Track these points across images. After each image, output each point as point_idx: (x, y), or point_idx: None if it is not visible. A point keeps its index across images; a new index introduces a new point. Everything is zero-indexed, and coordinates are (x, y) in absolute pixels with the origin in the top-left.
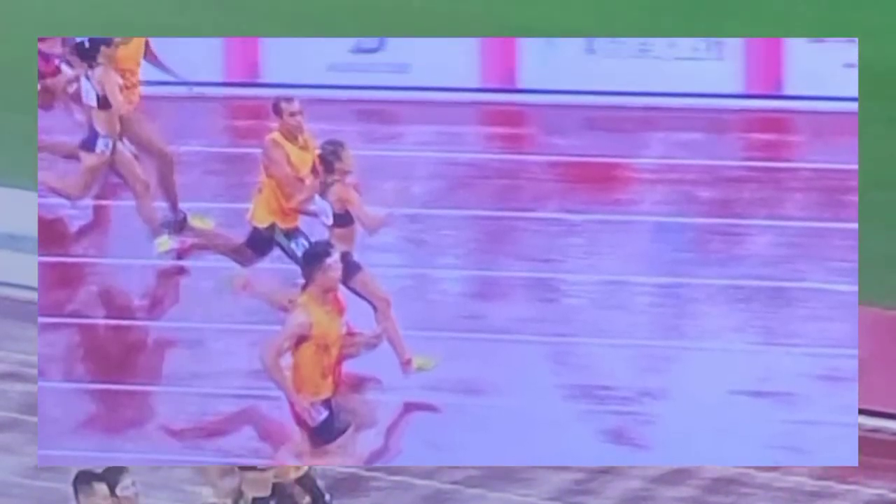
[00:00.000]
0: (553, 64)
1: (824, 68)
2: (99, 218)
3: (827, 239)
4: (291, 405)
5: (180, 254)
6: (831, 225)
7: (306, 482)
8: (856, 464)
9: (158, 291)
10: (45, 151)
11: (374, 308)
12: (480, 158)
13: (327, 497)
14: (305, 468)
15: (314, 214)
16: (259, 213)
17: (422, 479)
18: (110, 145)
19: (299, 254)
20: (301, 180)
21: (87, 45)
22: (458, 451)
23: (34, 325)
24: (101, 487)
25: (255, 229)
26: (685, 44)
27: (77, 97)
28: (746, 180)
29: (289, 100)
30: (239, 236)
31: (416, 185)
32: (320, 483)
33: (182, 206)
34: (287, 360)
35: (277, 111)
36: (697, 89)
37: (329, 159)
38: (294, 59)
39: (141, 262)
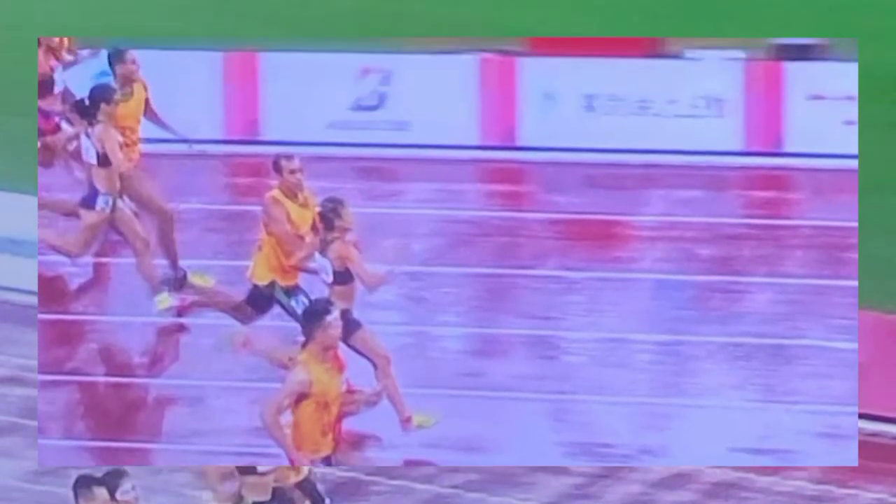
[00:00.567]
0: (552, 121)
1: (824, 125)
2: (99, 275)
3: (827, 296)
4: (291, 463)
5: (180, 311)
6: (831, 282)
7: (306, 486)
8: None
9: (158, 349)
10: (45, 209)
11: (375, 365)
12: (480, 216)
13: (327, 501)
14: (305, 472)
15: (314, 272)
16: (259, 271)
17: (422, 483)
18: (110, 203)
19: (299, 311)
20: (301, 238)
21: (86, 102)
22: None
23: (34, 328)
24: (101, 492)
25: (256, 287)
26: (685, 101)
27: (77, 155)
28: (746, 238)
29: (289, 157)
30: (239, 294)
31: (416, 243)
32: (320, 487)
33: (182, 263)
34: (287, 418)
35: (277, 169)
36: (697, 147)
37: (329, 217)
38: (294, 117)
39: (141, 319)
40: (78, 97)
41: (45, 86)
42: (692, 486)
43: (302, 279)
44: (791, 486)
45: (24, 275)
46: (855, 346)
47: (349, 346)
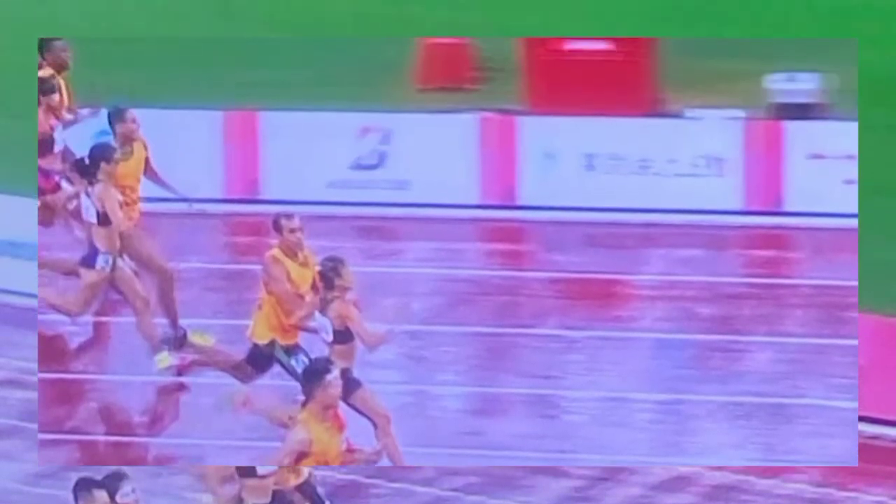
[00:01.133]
0: (553, 180)
1: (824, 185)
2: (99, 334)
3: (827, 355)
4: None
5: (180, 370)
6: (831, 341)
7: (306, 489)
8: None
9: (158, 408)
10: (45, 268)
11: (375, 425)
12: (480, 275)
13: None
14: (305, 475)
15: (314, 331)
16: (259, 330)
17: (422, 485)
18: (110, 262)
19: (299, 370)
20: (301, 297)
21: (86, 161)
22: None
23: (34, 331)
24: (101, 494)
25: (256, 346)
26: (685, 160)
27: (77, 214)
28: (747, 297)
29: (289, 216)
30: (239, 353)
31: (416, 302)
32: (320, 490)
33: (182, 322)
34: None
35: (277, 228)
36: (698, 206)
37: (329, 276)
38: (294, 176)
39: (141, 378)
40: (78, 156)
41: (45, 145)
42: (692, 488)
43: (302, 338)
44: (791, 488)
45: (23, 277)
46: (855, 405)
47: (349, 405)
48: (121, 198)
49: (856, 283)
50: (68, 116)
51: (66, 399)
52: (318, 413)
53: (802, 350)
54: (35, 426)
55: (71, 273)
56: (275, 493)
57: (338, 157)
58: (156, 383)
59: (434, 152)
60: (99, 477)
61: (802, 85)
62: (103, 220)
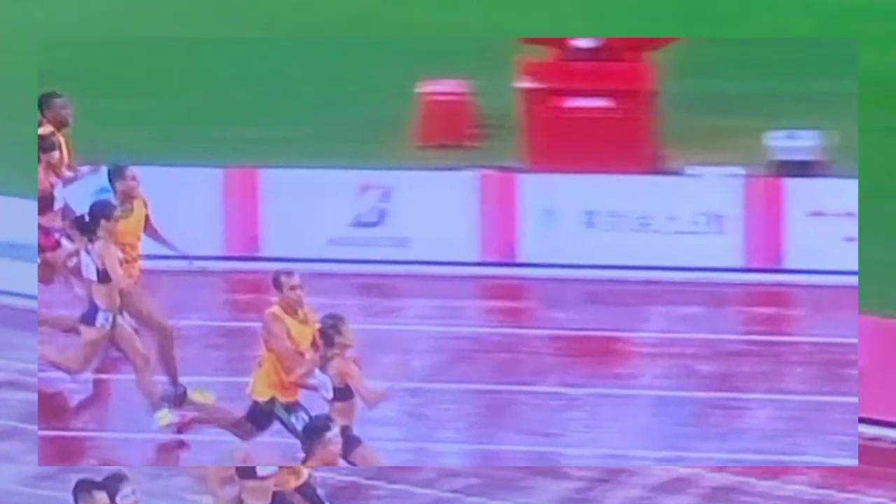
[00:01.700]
0: (553, 237)
1: (824, 242)
2: (99, 392)
3: (827, 413)
4: None
5: (181, 428)
6: (831, 399)
7: (306, 491)
8: None
9: (159, 465)
10: (45, 325)
11: None
12: (480, 332)
13: None
14: (305, 476)
15: (314, 388)
16: (259, 387)
17: (422, 487)
18: (110, 319)
19: (299, 428)
20: (301, 354)
21: (86, 219)
22: None
23: (34, 333)
24: (102, 496)
25: (256, 403)
26: (685, 217)
27: (77, 271)
28: (746, 354)
29: (289, 273)
30: (239, 410)
31: (416, 359)
32: (320, 492)
33: (182, 379)
34: None
35: (277, 285)
36: (698, 263)
37: (329, 333)
38: (294, 233)
39: (141, 436)
40: (78, 214)
41: (45, 202)
42: (692, 490)
43: (302, 395)
44: (791, 490)
45: (23, 279)
46: (855, 461)
47: (349, 462)
48: (121, 255)
49: (856, 341)
50: (68, 174)
51: (65, 457)
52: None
53: (802, 407)
54: (35, 427)
55: (71, 330)
56: (275, 494)
57: (338, 214)
58: (156, 441)
59: (434, 209)
60: (99, 478)
61: (802, 142)
62: (103, 277)
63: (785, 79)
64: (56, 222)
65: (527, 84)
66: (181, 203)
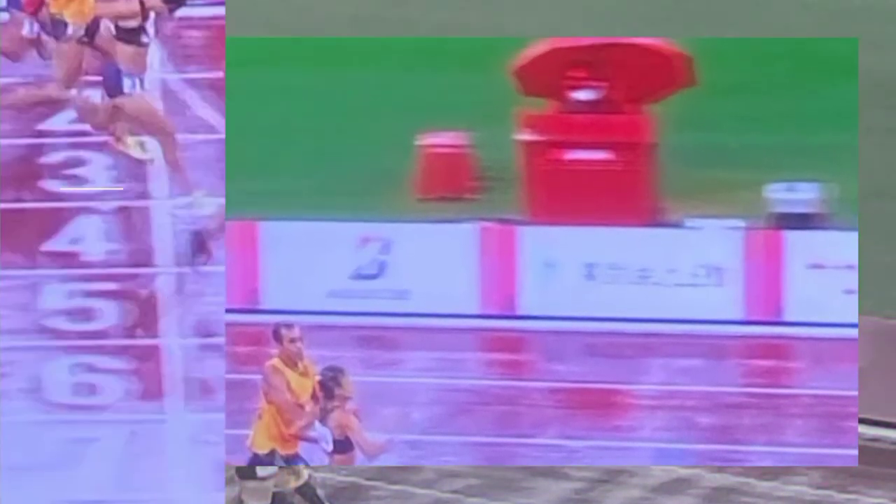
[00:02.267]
0: (553, 290)
1: (824, 294)
2: None
3: (827, 465)
4: None
5: None
6: (831, 451)
7: (306, 491)
8: None
9: None
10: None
11: None
12: (480, 385)
13: None
14: (305, 477)
15: (314, 441)
16: (259, 440)
17: (422, 487)
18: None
19: None
20: (301, 406)
21: None
22: None
23: None
24: None
25: (255, 455)
26: (685, 270)
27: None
28: (746, 406)
29: (289, 326)
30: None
31: (415, 412)
32: (320, 492)
33: None
34: None
35: (277, 337)
36: (697, 315)
37: (329, 385)
38: (294, 286)
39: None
40: None
41: None
42: (692, 490)
43: (302, 448)
44: (791, 490)
45: None
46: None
47: None
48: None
49: (856, 394)
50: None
51: None
52: None
53: (802, 460)
54: None
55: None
56: (275, 495)
57: (338, 266)
58: None
59: (434, 262)
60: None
61: (802, 195)
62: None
63: (784, 131)
64: None
65: (527, 136)
66: None
